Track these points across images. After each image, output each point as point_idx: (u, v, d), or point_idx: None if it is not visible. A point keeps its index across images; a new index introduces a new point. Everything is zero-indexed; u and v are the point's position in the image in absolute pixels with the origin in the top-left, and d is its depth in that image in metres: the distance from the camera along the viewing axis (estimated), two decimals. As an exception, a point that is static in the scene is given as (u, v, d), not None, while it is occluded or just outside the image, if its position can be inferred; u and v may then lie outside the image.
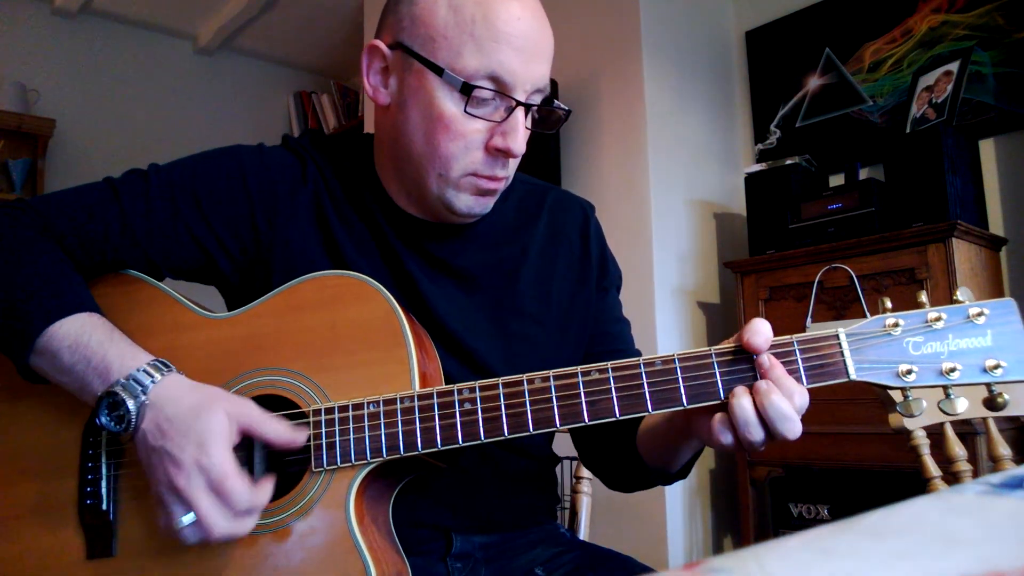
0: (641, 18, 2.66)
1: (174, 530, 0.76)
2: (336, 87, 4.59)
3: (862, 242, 2.18)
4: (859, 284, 2.17)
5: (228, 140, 1.07)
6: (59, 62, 3.93)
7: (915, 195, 2.16)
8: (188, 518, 0.76)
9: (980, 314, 0.74)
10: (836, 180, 2.63)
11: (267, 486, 0.79)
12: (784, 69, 2.88)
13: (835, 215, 2.28)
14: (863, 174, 2.51)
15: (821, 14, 2.79)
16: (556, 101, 0.95)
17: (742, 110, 3.02)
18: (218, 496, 0.76)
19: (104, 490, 0.86)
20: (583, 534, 1.25)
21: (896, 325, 0.75)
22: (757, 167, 2.57)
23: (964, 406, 0.74)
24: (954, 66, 2.33)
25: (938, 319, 0.75)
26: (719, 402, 0.77)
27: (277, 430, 0.81)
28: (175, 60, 4.37)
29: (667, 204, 2.64)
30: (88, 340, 0.82)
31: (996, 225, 2.35)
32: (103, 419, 0.79)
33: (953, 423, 1.25)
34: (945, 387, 0.75)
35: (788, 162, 2.49)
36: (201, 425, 0.77)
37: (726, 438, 0.76)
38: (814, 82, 2.80)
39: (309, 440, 0.82)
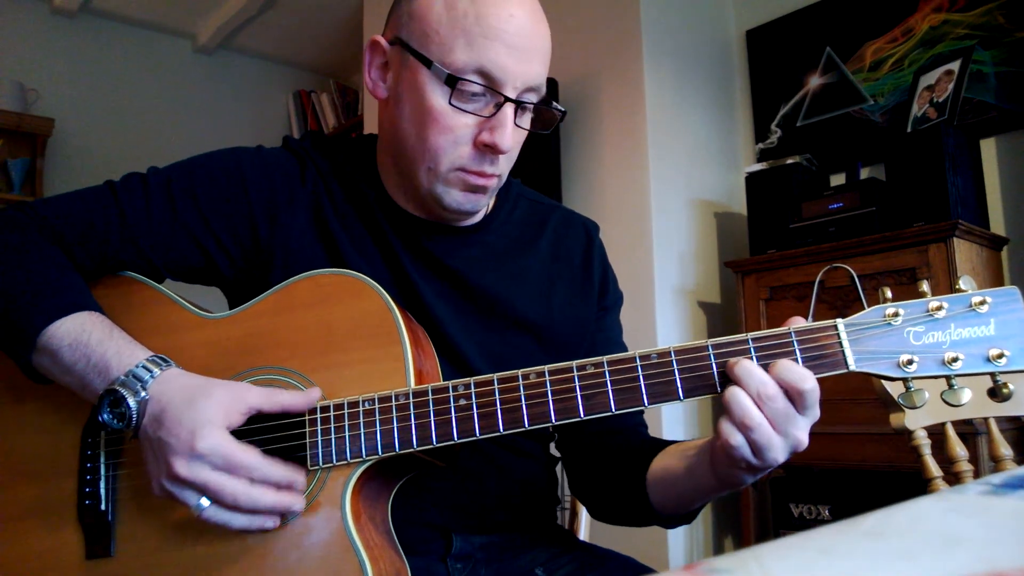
0: (641, 18, 2.66)
1: (196, 517, 0.78)
2: (336, 86, 4.59)
3: (863, 241, 2.18)
4: (860, 284, 2.16)
5: (228, 139, 1.07)
6: (59, 62, 3.93)
7: (916, 194, 2.15)
8: (205, 501, 0.77)
9: (983, 303, 0.72)
10: (837, 179, 2.63)
11: (280, 466, 0.80)
12: (785, 68, 2.88)
13: (836, 214, 2.28)
14: (864, 173, 2.51)
15: (822, 13, 2.78)
16: (553, 102, 0.94)
17: (743, 109, 3.01)
18: (232, 472, 0.77)
19: (103, 490, 0.87)
20: (583, 534, 1.24)
21: (896, 315, 0.73)
22: (758, 166, 2.56)
23: (968, 396, 0.72)
24: (955, 65, 2.32)
25: (939, 308, 0.72)
26: (716, 394, 0.76)
27: (287, 399, 0.81)
28: (174, 59, 4.37)
29: (667, 204, 2.63)
30: (88, 339, 0.82)
31: (997, 224, 2.34)
32: (105, 416, 0.79)
33: (954, 423, 1.24)
34: (947, 377, 0.72)
35: (789, 161, 2.49)
36: (194, 412, 0.77)
37: (735, 438, 0.72)
38: (815, 81, 2.79)
39: (305, 437, 0.82)
